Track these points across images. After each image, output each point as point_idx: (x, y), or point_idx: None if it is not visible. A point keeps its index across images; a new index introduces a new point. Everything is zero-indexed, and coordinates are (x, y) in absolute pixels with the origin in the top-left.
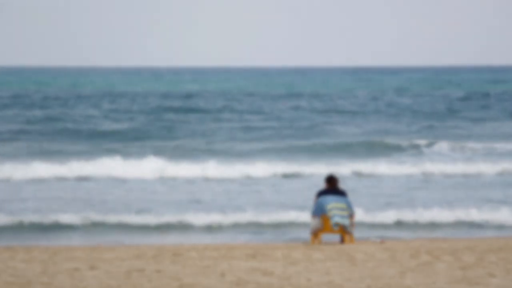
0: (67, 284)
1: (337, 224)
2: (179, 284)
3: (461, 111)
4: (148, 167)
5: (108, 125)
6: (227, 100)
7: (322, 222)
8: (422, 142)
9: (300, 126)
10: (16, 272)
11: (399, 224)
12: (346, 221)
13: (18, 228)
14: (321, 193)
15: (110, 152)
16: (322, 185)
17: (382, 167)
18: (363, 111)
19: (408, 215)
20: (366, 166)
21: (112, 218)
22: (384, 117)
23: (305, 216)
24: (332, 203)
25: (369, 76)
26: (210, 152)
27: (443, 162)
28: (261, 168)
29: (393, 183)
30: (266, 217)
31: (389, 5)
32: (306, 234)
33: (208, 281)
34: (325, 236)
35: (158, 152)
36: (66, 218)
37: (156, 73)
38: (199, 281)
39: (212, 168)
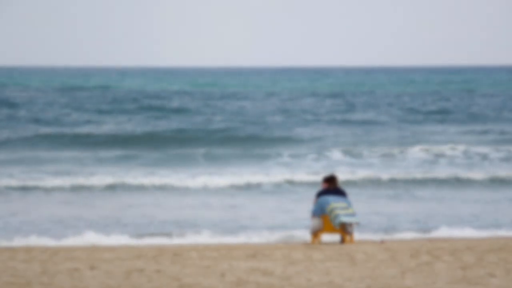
0: (67, 284)
1: (341, 223)
2: (179, 284)
3: None
4: None
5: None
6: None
7: (322, 222)
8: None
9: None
10: (16, 272)
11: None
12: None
13: None
14: (321, 193)
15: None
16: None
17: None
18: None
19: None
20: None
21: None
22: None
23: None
24: (333, 203)
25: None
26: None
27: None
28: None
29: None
30: None
31: (388, 5)
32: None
33: (208, 281)
34: (325, 236)
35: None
36: None
37: (165, 73)
38: (199, 281)
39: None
